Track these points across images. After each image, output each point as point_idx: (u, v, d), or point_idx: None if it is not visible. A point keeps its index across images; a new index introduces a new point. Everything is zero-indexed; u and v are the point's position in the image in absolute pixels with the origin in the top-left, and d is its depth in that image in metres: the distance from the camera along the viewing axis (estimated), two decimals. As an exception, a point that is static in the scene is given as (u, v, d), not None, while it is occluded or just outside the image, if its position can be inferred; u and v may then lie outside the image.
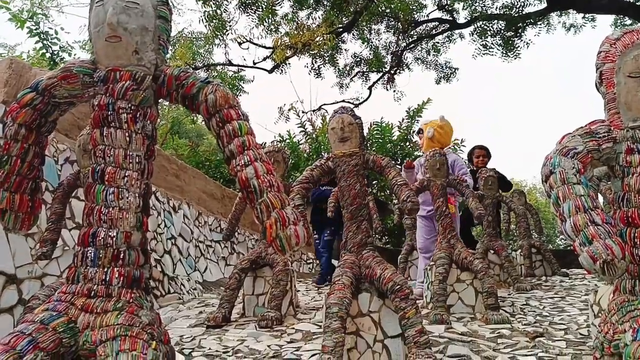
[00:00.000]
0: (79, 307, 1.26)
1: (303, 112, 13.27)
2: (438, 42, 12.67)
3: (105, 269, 1.30)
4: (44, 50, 8.90)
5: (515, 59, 11.00)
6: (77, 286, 1.29)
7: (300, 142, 13.06)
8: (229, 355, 2.70)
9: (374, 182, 11.89)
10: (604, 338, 1.28)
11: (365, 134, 2.88)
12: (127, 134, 1.36)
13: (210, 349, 2.84)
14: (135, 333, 1.20)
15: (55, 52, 9.08)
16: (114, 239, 1.31)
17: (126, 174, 1.35)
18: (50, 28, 8.98)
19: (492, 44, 11.03)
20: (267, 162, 1.39)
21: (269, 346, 2.86)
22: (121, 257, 1.31)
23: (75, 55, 9.50)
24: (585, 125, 1.49)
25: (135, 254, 1.34)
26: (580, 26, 11.41)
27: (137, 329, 1.21)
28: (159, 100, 1.52)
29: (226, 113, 1.39)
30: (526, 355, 2.50)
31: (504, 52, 10.91)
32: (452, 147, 11.93)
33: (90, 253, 1.30)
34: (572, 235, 1.32)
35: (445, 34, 12.38)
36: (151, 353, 1.16)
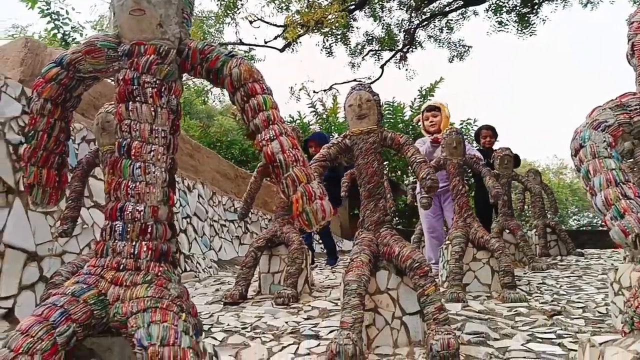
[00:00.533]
0: (108, 280, 1.27)
1: (314, 92, 13.21)
2: (452, 20, 12.50)
3: (134, 243, 1.30)
4: (55, 31, 8.91)
5: (530, 35, 10.85)
6: (106, 259, 1.30)
7: (311, 123, 13.03)
8: (248, 331, 2.73)
9: (385, 163, 11.86)
10: (634, 312, 1.26)
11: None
12: (152, 109, 1.35)
13: (228, 325, 2.88)
14: (166, 305, 1.21)
15: (67, 33, 9.08)
16: (142, 213, 1.31)
17: (152, 149, 1.34)
18: (61, 8, 8.97)
19: (507, 20, 10.86)
20: (292, 136, 1.38)
21: (286, 322, 2.88)
22: (149, 231, 1.31)
23: (86, 35, 9.50)
24: (616, 98, 1.46)
25: (162, 228, 1.35)
26: (598, 2, 11.16)
27: (167, 301, 1.22)
28: (183, 75, 1.51)
29: (251, 87, 1.38)
30: (545, 332, 2.50)
31: (520, 28, 10.75)
32: (465, 127, 11.87)
33: (119, 227, 1.31)
34: (603, 209, 1.30)
35: (459, 11, 12.18)
36: (182, 324, 1.17)
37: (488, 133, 6.24)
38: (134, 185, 1.32)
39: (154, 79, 1.36)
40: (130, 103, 1.35)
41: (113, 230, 1.32)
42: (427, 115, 4.97)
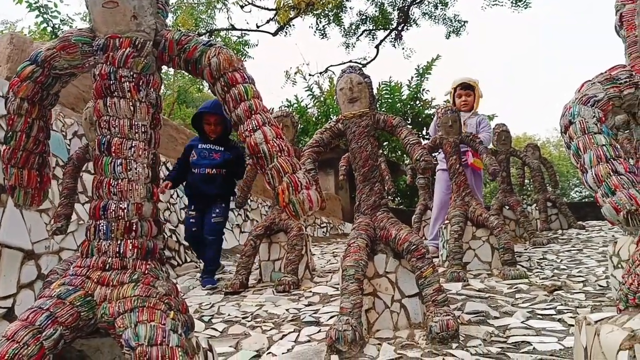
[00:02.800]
0: (94, 280, 1.25)
1: (310, 74, 13.10)
2: (445, -5, 12.32)
3: (119, 242, 1.28)
4: (45, 25, 8.81)
5: (525, 8, 10.69)
6: (92, 260, 1.29)
7: (309, 106, 12.94)
8: (249, 321, 2.73)
9: (384, 143, 11.80)
10: (628, 290, 1.25)
11: (375, 94, 2.82)
12: (131, 104, 1.32)
13: (229, 315, 2.88)
14: (153, 304, 1.19)
15: (56, 26, 8.97)
16: (125, 211, 1.29)
17: (133, 145, 1.31)
18: (49, 1, 8.85)
19: (501, -7, 10.71)
20: (276, 126, 1.34)
21: (287, 310, 2.88)
22: (134, 228, 1.29)
23: (76, 27, 9.41)
24: (605, 72, 1.42)
25: (147, 225, 1.33)
26: (594, -29, 10.99)
27: (154, 299, 1.21)
28: (162, 68, 1.47)
29: (231, 76, 1.35)
30: (545, 309, 2.50)
31: (514, 1, 10.58)
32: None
33: (103, 226, 1.29)
34: (594, 186, 1.28)
35: (453, -14, 12.02)
36: (170, 323, 1.16)
37: (463, 93, 4.97)
38: (116, 182, 1.29)
39: (131, 73, 1.33)
40: (108, 98, 1.32)
41: (97, 230, 1.30)
42: (461, 93, 4.85)
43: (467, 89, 4.84)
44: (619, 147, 1.31)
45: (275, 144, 1.30)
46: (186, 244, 4.85)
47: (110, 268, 1.27)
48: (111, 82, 1.32)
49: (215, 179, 3.85)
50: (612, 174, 1.24)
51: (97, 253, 1.29)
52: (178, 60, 1.39)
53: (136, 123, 1.33)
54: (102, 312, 1.20)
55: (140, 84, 1.34)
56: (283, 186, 1.27)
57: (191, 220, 3.91)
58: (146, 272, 1.28)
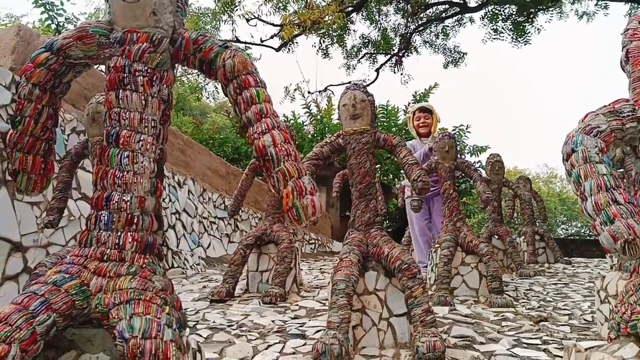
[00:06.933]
0: (91, 270, 1.24)
1: (309, 92, 13.18)
2: (447, 26, 12.54)
3: (119, 233, 1.28)
4: (50, 22, 8.82)
5: (525, 44, 10.90)
6: (90, 249, 1.28)
7: (305, 124, 13.01)
8: (234, 329, 2.70)
9: (377, 166, 11.87)
10: (620, 319, 1.26)
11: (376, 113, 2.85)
12: (143, 97, 1.33)
13: (214, 322, 2.85)
14: (149, 297, 1.18)
15: (61, 23, 8.99)
16: (128, 203, 1.29)
17: (141, 138, 1.32)
18: (56, -2, 8.87)
19: (502, 28, 10.91)
20: (285, 130, 1.36)
21: (273, 321, 2.86)
22: (135, 221, 1.29)
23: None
24: (609, 104, 1.46)
25: (149, 219, 1.33)
26: (593, 14, 11.25)
27: (151, 293, 1.20)
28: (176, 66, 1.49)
29: (244, 79, 1.36)
30: (531, 338, 2.50)
31: (514, 37, 10.79)
32: (458, 133, 11.91)
33: (104, 217, 1.29)
34: (593, 214, 1.30)
35: (455, 18, 12.23)
36: (165, 317, 1.15)
37: (422, 115, 4.90)
38: (121, 174, 1.30)
39: (146, 68, 1.34)
40: (121, 91, 1.33)
41: (98, 220, 1.29)
42: (419, 115, 4.94)
43: (425, 112, 4.94)
44: (618, 178, 1.33)
45: (283, 148, 1.31)
46: (174, 249, 4.82)
47: (108, 259, 1.26)
48: (125, 75, 1.33)
49: None
50: (611, 203, 1.27)
51: (96, 243, 1.28)
52: (193, 59, 1.41)
53: (146, 117, 1.34)
54: (96, 302, 1.19)
55: (154, 79, 1.35)
56: (288, 190, 1.28)
57: None
58: (144, 265, 1.27)
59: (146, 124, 1.33)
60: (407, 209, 4.98)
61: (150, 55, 1.35)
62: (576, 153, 1.37)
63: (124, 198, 1.29)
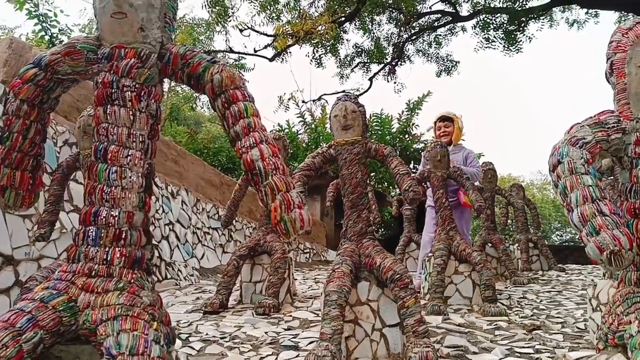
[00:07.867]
0: (79, 286, 1.24)
1: (303, 101, 13.22)
2: (440, 35, 12.62)
3: (107, 249, 1.28)
4: (43, 33, 8.81)
5: (517, 53, 10.97)
6: (78, 265, 1.28)
7: (299, 132, 13.03)
8: (227, 341, 2.69)
9: (372, 174, 11.88)
10: (608, 329, 1.27)
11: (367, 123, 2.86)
12: (130, 113, 1.34)
13: (207, 334, 2.84)
14: (137, 313, 1.18)
15: (54, 35, 8.98)
16: (116, 218, 1.29)
17: (129, 153, 1.32)
18: (49, 10, 8.88)
19: (494, 37, 11.00)
20: (273, 144, 1.37)
21: (266, 333, 2.85)
22: (123, 237, 1.29)
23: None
24: (595, 116, 1.48)
25: (137, 234, 1.33)
26: (584, 22, 11.36)
27: (139, 309, 1.20)
28: (164, 80, 1.50)
29: (232, 94, 1.37)
30: (523, 347, 2.50)
31: (506, 45, 10.87)
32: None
33: (92, 232, 1.28)
34: (579, 225, 1.31)
35: (448, 27, 12.32)
36: (152, 333, 1.15)
37: (442, 124, 5.00)
38: (109, 189, 1.30)
39: (134, 83, 1.35)
40: (109, 106, 1.33)
41: (86, 236, 1.29)
42: (440, 125, 4.96)
43: (445, 121, 4.95)
44: (604, 189, 1.35)
45: (270, 162, 1.32)
46: (168, 260, 4.80)
47: (96, 275, 1.26)
48: (113, 90, 1.34)
49: None
50: (597, 214, 1.28)
51: (84, 259, 1.28)
52: (181, 74, 1.42)
53: (134, 132, 1.34)
54: (84, 319, 1.19)
55: (142, 94, 1.36)
56: (276, 204, 1.28)
57: None
58: (132, 281, 1.27)
59: (134, 139, 1.34)
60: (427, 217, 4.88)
61: (138, 70, 1.35)
62: (562, 164, 1.39)
63: (112, 213, 1.29)
